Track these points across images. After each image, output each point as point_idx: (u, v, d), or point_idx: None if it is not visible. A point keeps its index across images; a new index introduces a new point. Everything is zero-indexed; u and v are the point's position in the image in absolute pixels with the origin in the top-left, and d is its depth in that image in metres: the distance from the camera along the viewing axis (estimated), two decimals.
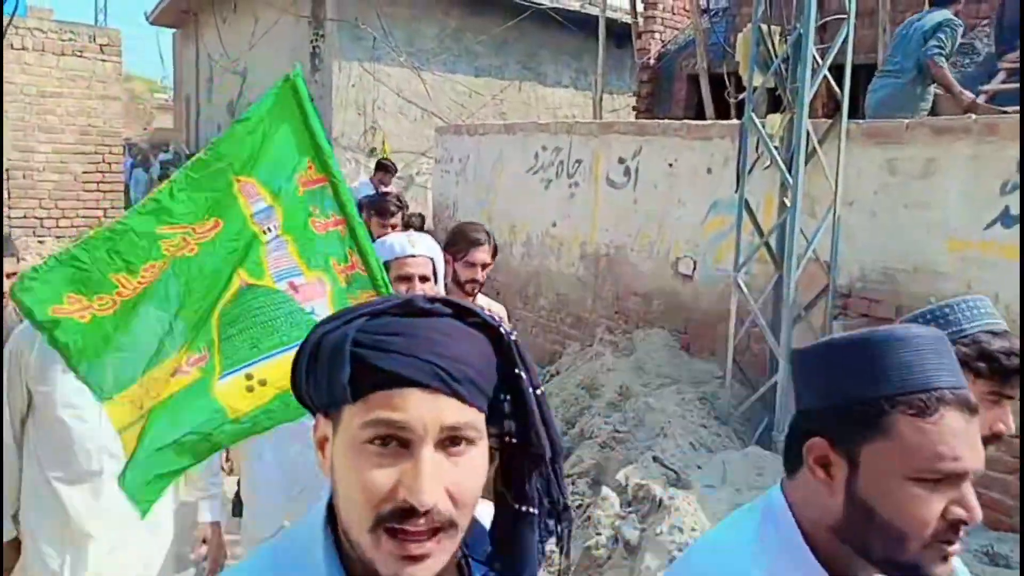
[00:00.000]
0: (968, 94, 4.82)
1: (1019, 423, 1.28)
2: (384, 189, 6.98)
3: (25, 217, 8.46)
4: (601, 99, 9.99)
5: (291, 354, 0.84)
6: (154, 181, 11.60)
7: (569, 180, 6.55)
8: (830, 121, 4.37)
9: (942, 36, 4.63)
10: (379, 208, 4.26)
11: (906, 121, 4.08)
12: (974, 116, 3.88)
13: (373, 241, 2.25)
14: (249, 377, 1.66)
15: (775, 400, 4.29)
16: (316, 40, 11.05)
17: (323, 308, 1.73)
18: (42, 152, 8.44)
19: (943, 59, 4.66)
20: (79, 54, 8.47)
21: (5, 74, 8.01)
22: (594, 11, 11.06)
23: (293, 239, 1.75)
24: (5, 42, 7.49)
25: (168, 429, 1.57)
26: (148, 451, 1.55)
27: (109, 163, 8.89)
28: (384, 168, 7.48)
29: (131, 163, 12.76)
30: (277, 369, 1.65)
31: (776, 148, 4.32)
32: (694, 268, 5.33)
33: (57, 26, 8.43)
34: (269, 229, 1.74)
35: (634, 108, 10.22)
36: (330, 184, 1.79)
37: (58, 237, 8.65)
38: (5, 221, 8.37)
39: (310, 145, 1.76)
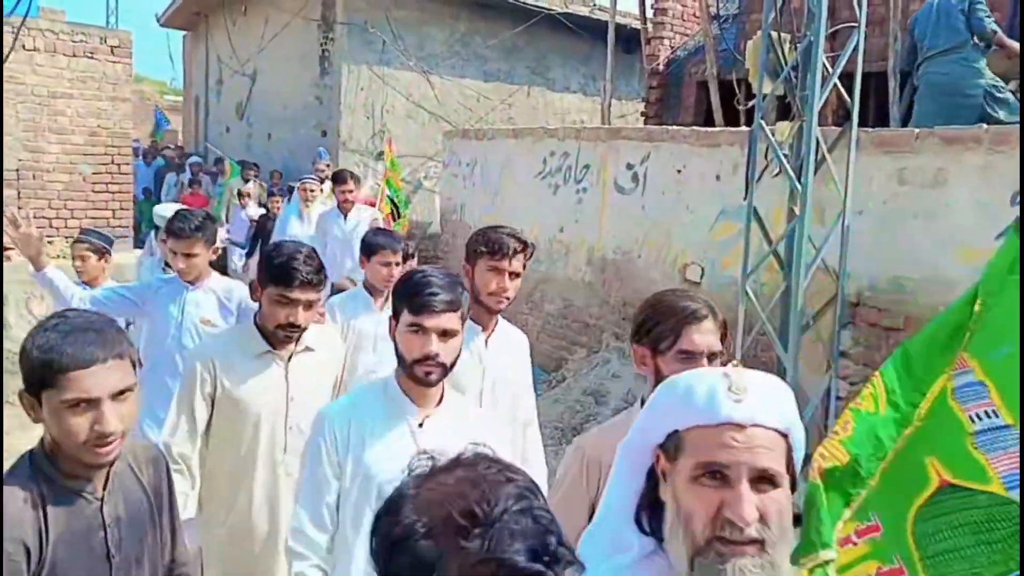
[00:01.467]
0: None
1: (1021, 420, 1.19)
2: (352, 199, 6.03)
3: (34, 217, 8.44)
4: (610, 105, 9.98)
5: None
6: (184, 185, 11.48)
7: (577, 185, 6.54)
8: (840, 129, 4.35)
9: (980, 5, 4.71)
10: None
11: (916, 130, 4.07)
12: (985, 126, 3.86)
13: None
14: None
15: None
16: (326, 43, 11.09)
17: None
18: (52, 153, 8.47)
19: (996, 25, 4.73)
20: (90, 55, 8.50)
21: (16, 75, 8.05)
22: (603, 17, 11.06)
23: None
24: (17, 43, 7.53)
25: None
26: None
27: (118, 164, 8.91)
28: (342, 180, 6.03)
29: (160, 166, 12.54)
30: None
31: (785, 156, 4.31)
32: (702, 275, 5.31)
33: (69, 27, 8.46)
34: (981, 415, 1.27)
35: (643, 114, 10.21)
36: None
37: (67, 238, 8.67)
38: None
39: None
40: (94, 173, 8.74)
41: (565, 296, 6.71)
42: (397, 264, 3.45)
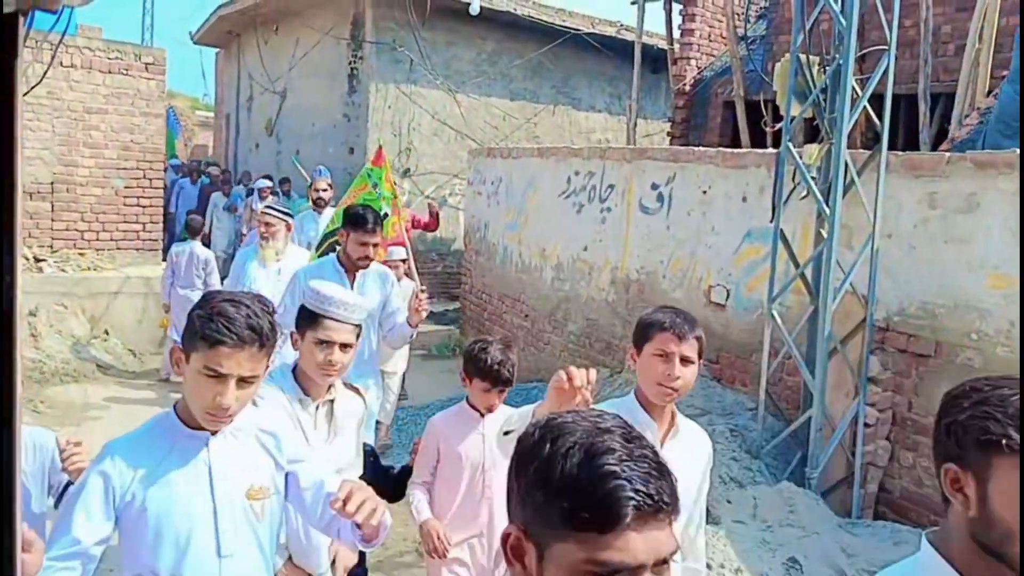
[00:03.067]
0: None
1: (1021, 420, 1.31)
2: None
3: (67, 229, 8.65)
4: (635, 124, 9.99)
5: None
6: (251, 209, 11.14)
7: (601, 205, 6.53)
8: (869, 152, 4.31)
9: None
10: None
11: (947, 154, 4.01)
12: (1018, 150, 3.79)
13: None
14: None
15: (809, 435, 4.20)
16: (355, 62, 11.23)
17: None
18: (85, 167, 8.65)
19: None
20: (125, 72, 8.68)
21: (54, 91, 8.25)
22: (630, 37, 11.10)
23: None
24: (55, 59, 7.72)
25: None
26: None
27: (150, 179, 9.06)
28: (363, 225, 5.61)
29: (204, 184, 12.56)
30: None
31: (813, 178, 4.27)
32: (727, 297, 5.26)
33: (105, 45, 8.66)
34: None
35: (668, 134, 10.20)
36: None
37: (98, 250, 8.83)
38: (48, 233, 8.58)
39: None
40: (126, 187, 8.91)
41: (588, 316, 6.68)
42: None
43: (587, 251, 6.71)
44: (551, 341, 7.18)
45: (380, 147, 5.98)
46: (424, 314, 3.79)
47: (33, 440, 2.15)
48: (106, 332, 8.09)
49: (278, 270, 5.24)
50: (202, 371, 1.64)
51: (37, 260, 8.22)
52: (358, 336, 2.40)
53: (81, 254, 8.67)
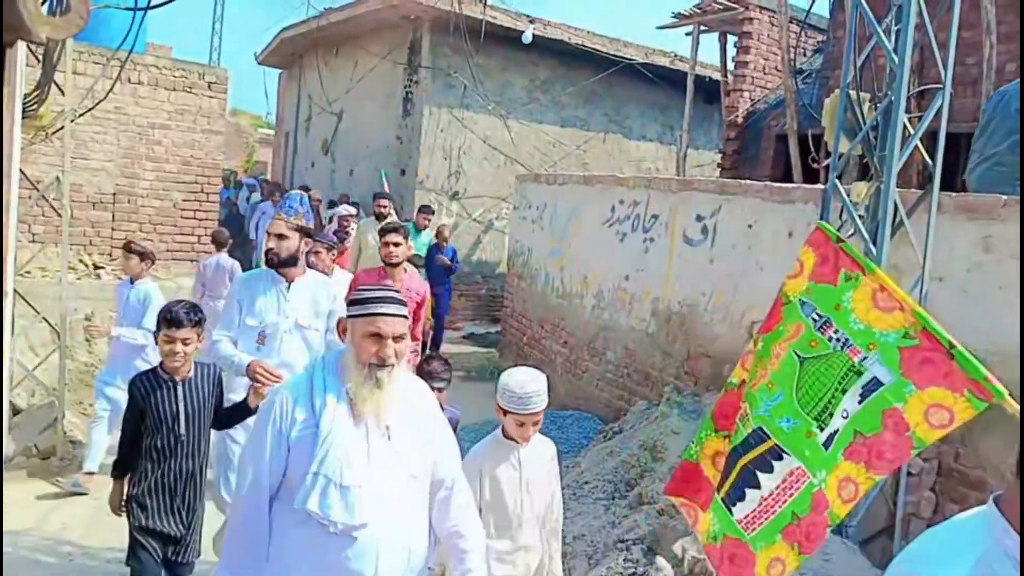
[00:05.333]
0: None
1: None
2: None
3: (126, 239, 8.97)
4: (686, 155, 9.93)
5: None
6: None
7: (645, 235, 6.48)
8: (920, 192, 4.18)
9: None
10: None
11: (1004, 197, 3.86)
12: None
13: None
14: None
15: None
16: (410, 86, 11.45)
17: None
18: (146, 180, 8.97)
19: None
20: (188, 90, 9.02)
21: (121, 106, 8.60)
22: (683, 68, 11.07)
23: None
24: (124, 76, 8.04)
25: None
26: None
27: (207, 193, 9.37)
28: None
29: (260, 200, 12.85)
30: None
31: (861, 216, 4.16)
32: None
33: (172, 63, 9.03)
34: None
35: (719, 165, 10.11)
36: None
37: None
38: (108, 241, 8.90)
39: None
40: (183, 200, 9.21)
41: (627, 345, 6.60)
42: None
43: (628, 280, 6.66)
44: (589, 369, 7.12)
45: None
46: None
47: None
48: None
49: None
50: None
51: (96, 267, 8.53)
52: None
53: None
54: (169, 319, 2.94)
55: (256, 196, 13.82)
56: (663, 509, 4.17)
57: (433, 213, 9.09)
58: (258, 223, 10.59)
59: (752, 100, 9.46)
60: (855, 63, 4.10)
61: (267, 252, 3.66)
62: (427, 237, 8.80)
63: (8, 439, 5.36)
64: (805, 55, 9.78)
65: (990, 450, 3.78)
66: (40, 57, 4.53)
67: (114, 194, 8.84)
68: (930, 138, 4.19)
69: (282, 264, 3.62)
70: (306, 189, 11.02)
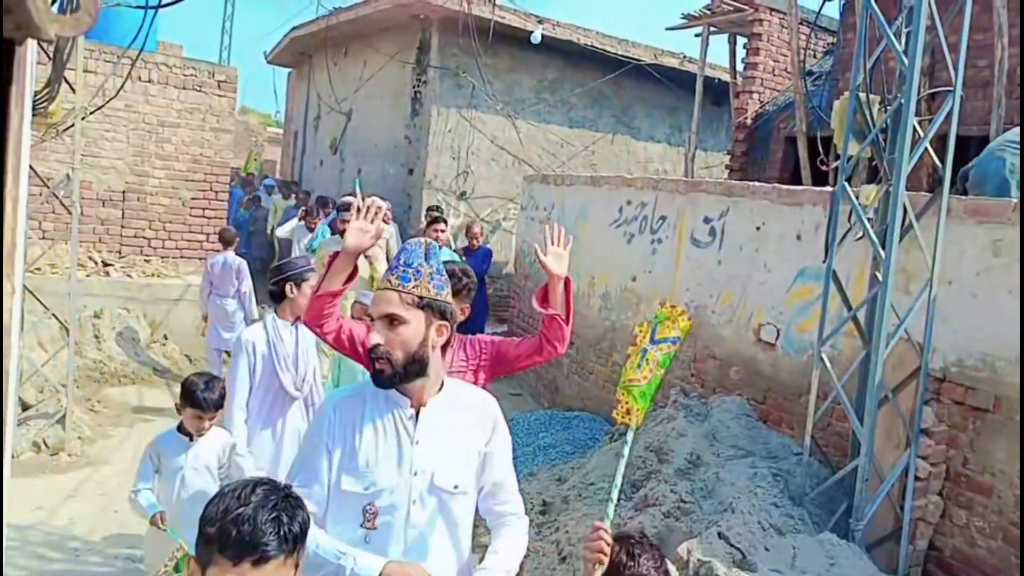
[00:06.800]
0: None
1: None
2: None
3: (135, 237, 9.01)
4: (694, 156, 9.90)
5: None
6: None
7: (652, 236, 6.47)
8: (930, 195, 4.16)
9: None
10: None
11: (1014, 201, 3.84)
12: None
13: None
14: None
15: (855, 484, 4.03)
16: (418, 86, 11.46)
17: None
18: (156, 177, 9.01)
19: None
20: (198, 89, 9.05)
21: (131, 103, 8.64)
22: (692, 69, 11.04)
23: None
24: (134, 73, 8.08)
25: None
26: None
27: (216, 191, 9.40)
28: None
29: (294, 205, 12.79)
30: None
31: (870, 219, 4.14)
32: (777, 336, 5.13)
33: (181, 62, 9.06)
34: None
35: (727, 167, 10.08)
36: None
37: (163, 257, 9.17)
38: (117, 239, 8.94)
39: None
40: (192, 198, 9.24)
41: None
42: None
43: (635, 282, 6.65)
44: (595, 370, 7.11)
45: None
46: None
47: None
48: (164, 337, 8.36)
49: None
50: None
51: (105, 264, 8.57)
52: None
53: (147, 261, 9.01)
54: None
55: (278, 197, 13.81)
56: (668, 512, 4.16)
57: (446, 223, 7.72)
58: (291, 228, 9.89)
59: (761, 102, 9.43)
60: (865, 65, 4.08)
61: (372, 349, 1.91)
62: (447, 254, 6.75)
63: (16, 435, 5.39)
64: (815, 57, 9.75)
65: (998, 455, 3.75)
66: (51, 55, 4.56)
67: (124, 192, 8.88)
68: (940, 141, 4.16)
69: (403, 376, 1.92)
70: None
